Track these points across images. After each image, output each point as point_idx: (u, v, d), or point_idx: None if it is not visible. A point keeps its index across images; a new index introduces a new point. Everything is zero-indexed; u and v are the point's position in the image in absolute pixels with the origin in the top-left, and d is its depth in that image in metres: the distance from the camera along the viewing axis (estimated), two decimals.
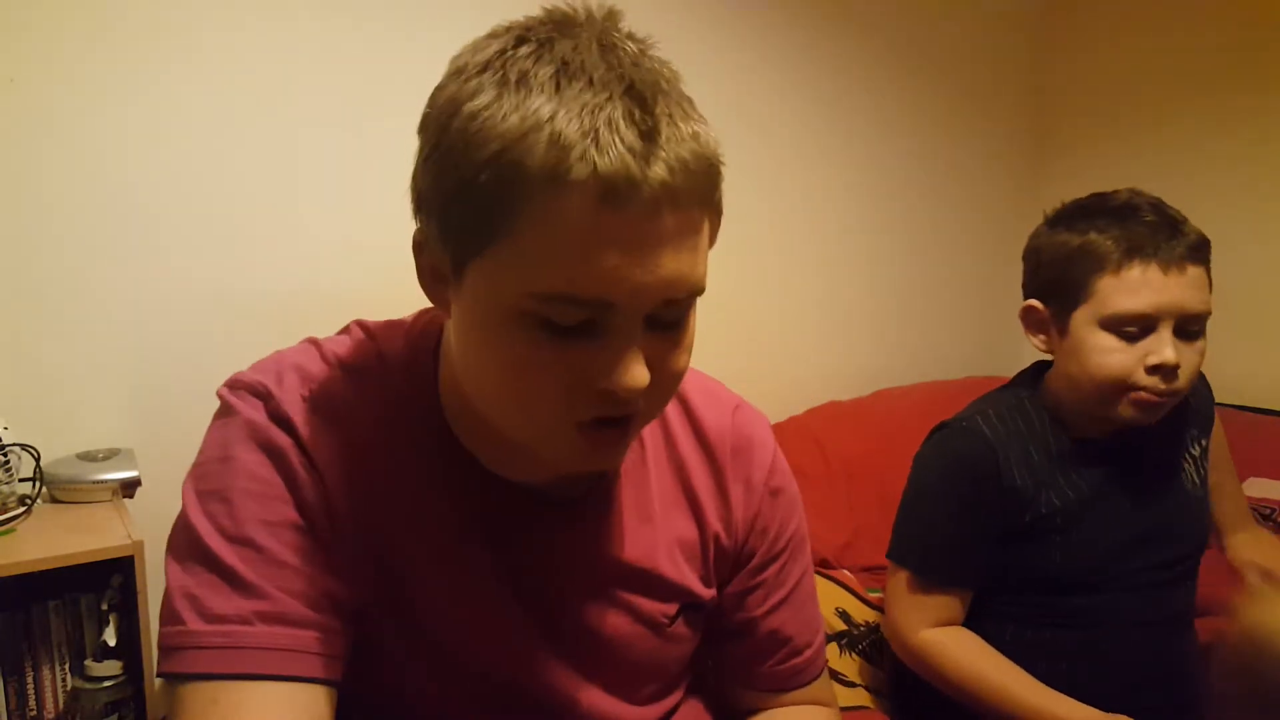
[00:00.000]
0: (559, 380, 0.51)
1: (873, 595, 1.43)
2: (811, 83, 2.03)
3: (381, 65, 1.47)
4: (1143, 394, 0.97)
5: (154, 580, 1.13)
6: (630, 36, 0.52)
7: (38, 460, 1.20)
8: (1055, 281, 1.02)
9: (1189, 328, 0.96)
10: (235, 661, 0.53)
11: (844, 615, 1.33)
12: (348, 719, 0.59)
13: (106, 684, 1.14)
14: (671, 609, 0.69)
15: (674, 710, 0.75)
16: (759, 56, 1.93)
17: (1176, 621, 1.07)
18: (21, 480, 1.19)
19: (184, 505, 0.59)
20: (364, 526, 0.59)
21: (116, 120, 1.28)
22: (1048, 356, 1.10)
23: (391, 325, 0.66)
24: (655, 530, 0.68)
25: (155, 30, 1.29)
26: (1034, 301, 1.06)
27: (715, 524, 0.70)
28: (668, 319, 0.52)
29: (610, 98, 0.46)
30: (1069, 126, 2.44)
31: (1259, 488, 1.70)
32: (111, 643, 1.14)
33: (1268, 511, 1.62)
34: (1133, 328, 0.96)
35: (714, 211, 0.54)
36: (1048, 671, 1.00)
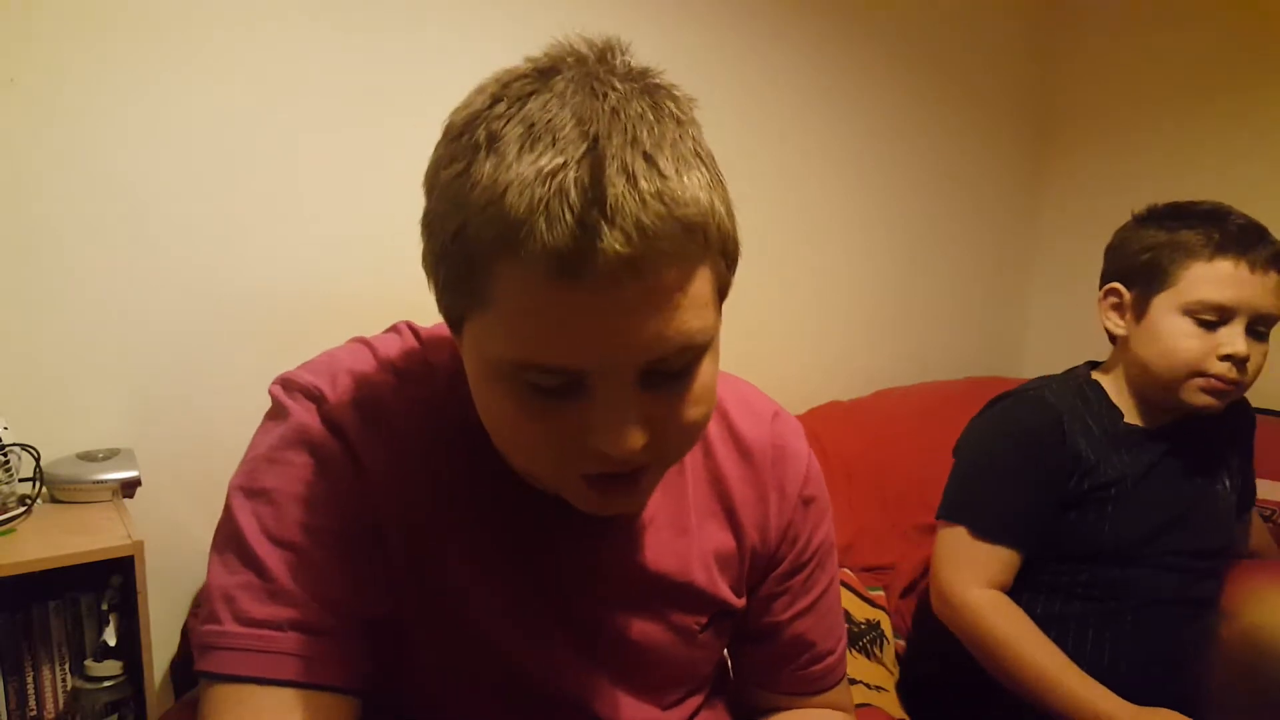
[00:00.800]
0: (550, 439, 0.51)
1: (873, 594, 1.43)
2: (811, 83, 2.03)
3: (383, 65, 1.47)
4: (1212, 381, 1.01)
5: (154, 580, 1.13)
6: (626, 74, 0.50)
7: (38, 460, 1.20)
8: (1143, 266, 1.08)
9: (1258, 327, 1.04)
10: (262, 666, 0.53)
11: (844, 614, 1.33)
12: None
13: (106, 684, 1.14)
14: (704, 618, 0.70)
15: (698, 711, 0.76)
16: (759, 57, 1.93)
17: (1202, 607, 1.10)
18: (21, 480, 1.19)
19: (229, 502, 0.59)
20: (407, 533, 0.60)
21: (116, 120, 1.28)
22: (1100, 356, 1.15)
23: (439, 333, 0.67)
24: (691, 542, 0.68)
25: (156, 30, 1.29)
26: (1117, 284, 1.11)
27: (753, 534, 0.70)
28: (667, 373, 0.50)
29: (566, 164, 0.44)
30: (1070, 127, 2.44)
31: (1259, 488, 1.70)
32: (111, 643, 1.14)
33: (1268, 512, 1.62)
34: (1211, 316, 1.02)
35: (713, 258, 0.51)
36: (1075, 641, 1.02)
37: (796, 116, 2.02)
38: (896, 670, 1.31)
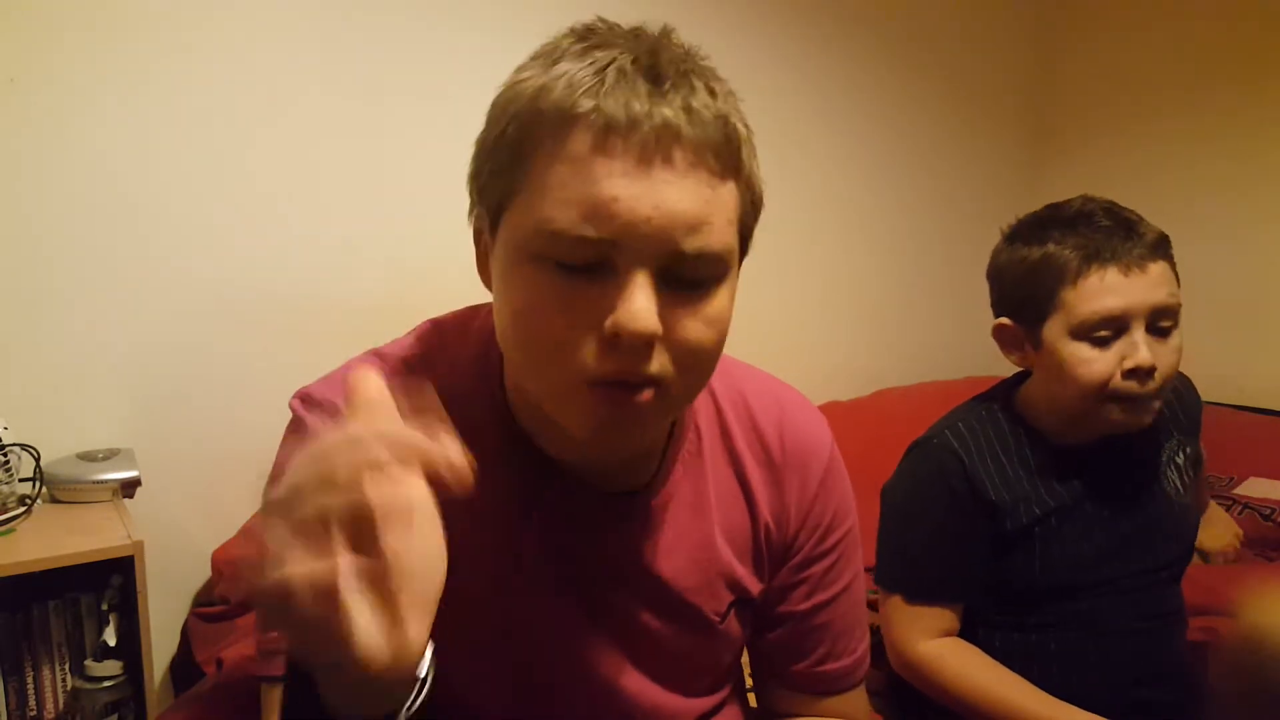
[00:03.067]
0: (568, 323, 0.51)
1: (872, 596, 1.43)
2: (812, 83, 2.03)
3: (384, 68, 1.47)
4: (1125, 398, 0.97)
5: (154, 580, 1.13)
6: (680, 44, 0.55)
7: (38, 460, 1.20)
8: (1022, 298, 1.02)
9: (1160, 323, 0.96)
10: (280, 665, 0.55)
11: None
12: None
13: (106, 684, 1.14)
14: (723, 605, 0.70)
15: (722, 706, 0.76)
16: (760, 57, 1.93)
17: (1164, 621, 1.07)
18: (21, 480, 1.19)
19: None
20: None
21: (116, 120, 1.28)
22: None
23: (460, 320, 0.68)
24: (710, 524, 0.68)
25: (155, 31, 1.29)
26: (1004, 320, 1.06)
27: (766, 515, 0.70)
28: (684, 278, 0.52)
29: (625, 52, 0.50)
30: (1069, 126, 2.44)
31: (1259, 488, 1.70)
32: (111, 643, 1.14)
33: (1268, 512, 1.62)
34: (1104, 331, 0.96)
35: (742, 183, 0.54)
36: (1039, 675, 1.00)
37: (798, 117, 2.02)
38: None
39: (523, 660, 0.65)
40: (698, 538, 0.68)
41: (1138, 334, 0.95)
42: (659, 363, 0.52)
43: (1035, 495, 1.02)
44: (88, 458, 1.26)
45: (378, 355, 0.65)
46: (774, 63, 1.95)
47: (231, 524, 1.36)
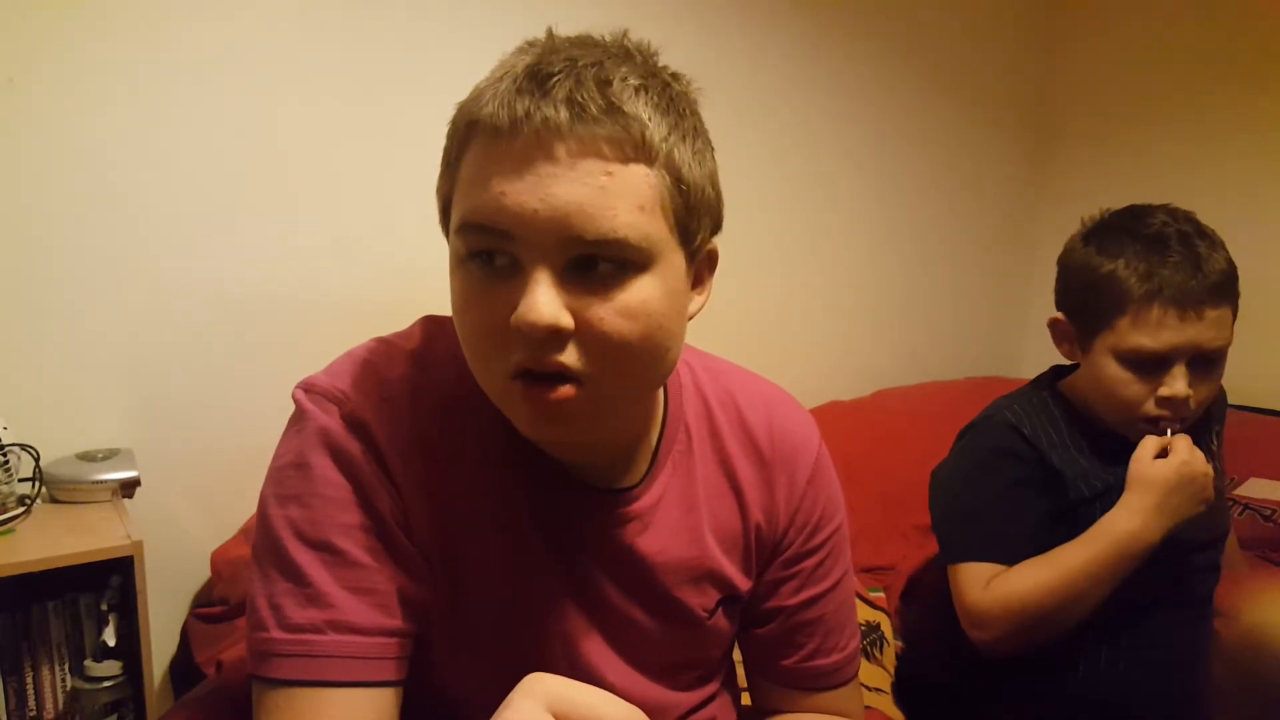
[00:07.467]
0: (486, 318, 0.54)
1: (873, 595, 1.43)
2: (813, 83, 2.03)
3: (381, 66, 1.47)
4: (1154, 421, 1.00)
5: (154, 580, 1.13)
6: (620, 45, 0.57)
7: (38, 460, 1.20)
8: (1080, 305, 1.06)
9: (1204, 361, 0.99)
10: (308, 669, 0.56)
11: None
12: None
13: (106, 684, 1.14)
14: (711, 601, 0.71)
15: (711, 699, 0.77)
16: (760, 58, 1.93)
17: (1197, 607, 1.09)
18: (21, 480, 1.19)
19: (262, 510, 0.60)
20: (433, 522, 0.62)
21: (115, 120, 1.28)
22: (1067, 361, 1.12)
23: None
24: (700, 521, 0.70)
25: (155, 31, 1.29)
26: (1061, 316, 1.09)
27: (757, 514, 0.72)
28: (595, 270, 0.53)
29: (534, 59, 0.53)
30: (1070, 127, 2.45)
31: (1259, 488, 1.70)
32: (111, 643, 1.14)
33: (1268, 512, 1.62)
34: (1147, 362, 0.99)
35: (658, 168, 0.53)
36: (1072, 644, 1.01)
37: (798, 117, 2.02)
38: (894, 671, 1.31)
39: (515, 652, 0.65)
40: (687, 535, 0.69)
41: (1178, 369, 0.98)
42: (571, 356, 0.53)
43: (1093, 470, 1.06)
44: (87, 458, 1.26)
45: (385, 344, 0.66)
46: (772, 64, 1.95)
47: (231, 524, 1.36)
